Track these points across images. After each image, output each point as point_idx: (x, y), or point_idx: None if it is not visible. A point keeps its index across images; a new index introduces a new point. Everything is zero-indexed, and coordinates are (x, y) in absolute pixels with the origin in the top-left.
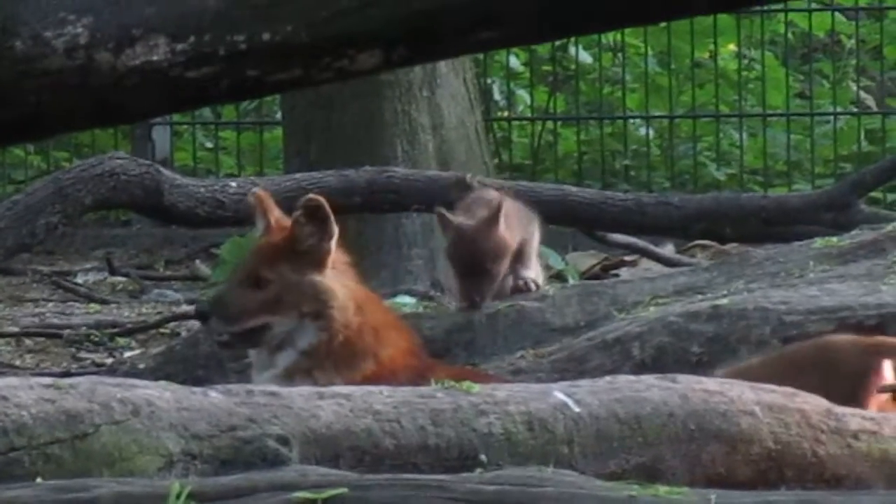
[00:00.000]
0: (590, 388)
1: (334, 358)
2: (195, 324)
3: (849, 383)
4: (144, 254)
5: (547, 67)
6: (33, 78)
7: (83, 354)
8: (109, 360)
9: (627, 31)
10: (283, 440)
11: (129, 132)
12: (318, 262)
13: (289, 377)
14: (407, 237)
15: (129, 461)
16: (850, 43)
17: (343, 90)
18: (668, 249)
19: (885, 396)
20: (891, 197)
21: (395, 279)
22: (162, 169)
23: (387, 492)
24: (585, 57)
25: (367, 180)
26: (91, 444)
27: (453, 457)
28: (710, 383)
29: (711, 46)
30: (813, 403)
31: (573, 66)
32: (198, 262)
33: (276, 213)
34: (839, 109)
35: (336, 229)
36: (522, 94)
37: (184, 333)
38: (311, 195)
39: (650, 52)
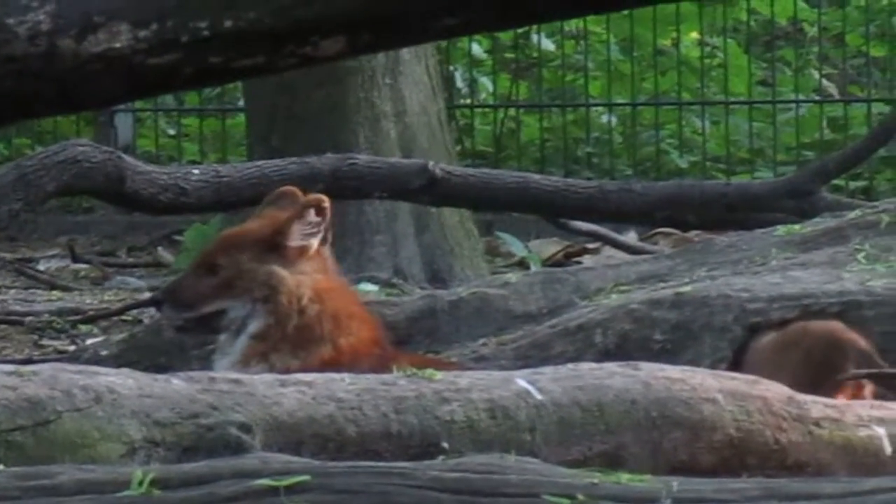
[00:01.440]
0: (552, 375)
1: (290, 343)
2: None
3: (813, 372)
4: (107, 241)
5: (509, 55)
6: None
7: (45, 341)
8: (72, 348)
9: (590, 18)
10: (246, 427)
11: (92, 119)
12: (284, 254)
13: (245, 362)
14: (369, 224)
15: (92, 448)
16: (813, 30)
17: (306, 77)
18: (630, 237)
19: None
20: (853, 185)
21: (357, 266)
22: (124, 156)
23: (349, 479)
24: (548, 44)
25: (330, 167)
26: (53, 431)
27: (416, 444)
28: (673, 371)
29: (674, 34)
30: (775, 391)
31: (536, 54)
32: (160, 249)
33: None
34: (801, 97)
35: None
36: (485, 82)
37: (146, 321)
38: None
39: (612, 40)
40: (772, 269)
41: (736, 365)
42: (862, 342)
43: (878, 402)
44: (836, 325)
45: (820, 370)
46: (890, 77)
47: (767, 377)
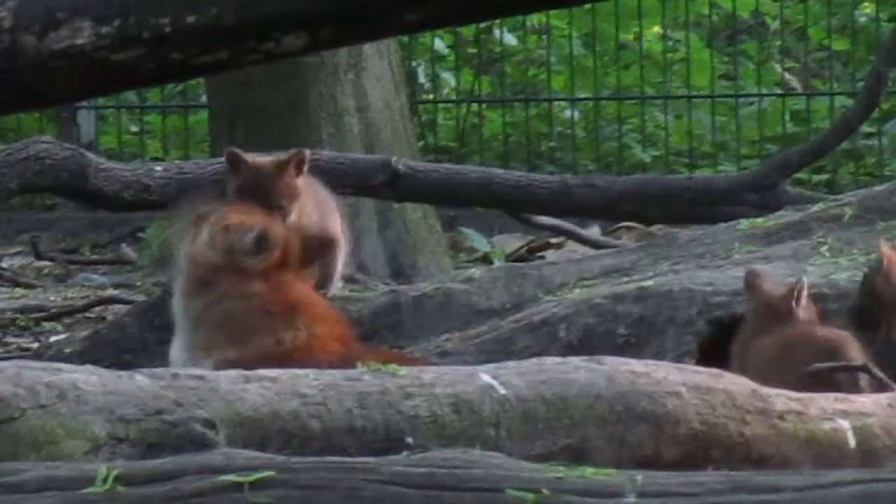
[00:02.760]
0: (516, 369)
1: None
2: (122, 308)
3: (812, 381)
4: (70, 238)
5: (472, 50)
6: None
7: (9, 339)
8: (35, 345)
9: (552, 13)
10: (210, 424)
11: (55, 116)
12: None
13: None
14: None
15: (56, 445)
16: (775, 24)
17: (268, 72)
18: (593, 231)
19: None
20: (816, 178)
21: None
22: (87, 153)
23: (314, 474)
24: (510, 39)
25: None
26: (17, 428)
27: (380, 439)
28: (636, 365)
29: (636, 28)
30: (739, 384)
31: (498, 49)
32: (124, 245)
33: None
34: (764, 91)
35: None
36: (448, 77)
37: (110, 317)
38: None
39: (575, 34)
40: (735, 263)
41: (702, 358)
42: (858, 352)
43: (842, 395)
44: (840, 335)
45: (818, 379)
46: (852, 70)
47: (769, 380)
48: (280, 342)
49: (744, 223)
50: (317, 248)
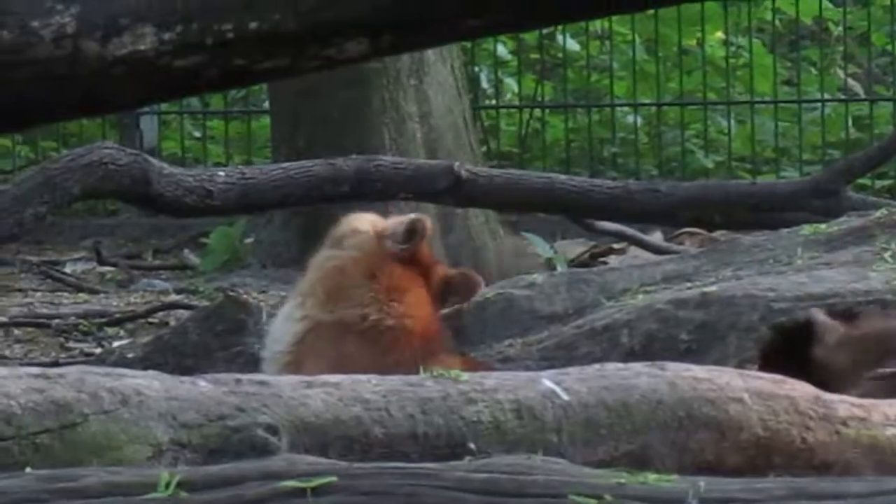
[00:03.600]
0: (578, 375)
1: None
2: (184, 313)
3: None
4: (132, 243)
5: (534, 55)
6: (20, 67)
7: (72, 344)
8: (98, 350)
9: (615, 18)
10: (272, 429)
11: (117, 122)
12: None
13: None
14: None
15: (118, 450)
16: (838, 30)
17: (330, 78)
18: (656, 237)
19: None
20: (879, 183)
21: None
22: (150, 158)
23: (376, 480)
24: (573, 45)
25: (355, 169)
26: (80, 433)
27: (442, 445)
28: (699, 371)
29: (699, 34)
30: (801, 390)
31: (561, 54)
32: (186, 251)
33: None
34: (827, 96)
35: None
36: (510, 82)
37: (172, 323)
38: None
39: (637, 40)
40: (797, 269)
41: (764, 364)
42: None
43: None
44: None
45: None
46: None
47: None
48: (365, 318)
49: (806, 229)
50: (459, 286)
